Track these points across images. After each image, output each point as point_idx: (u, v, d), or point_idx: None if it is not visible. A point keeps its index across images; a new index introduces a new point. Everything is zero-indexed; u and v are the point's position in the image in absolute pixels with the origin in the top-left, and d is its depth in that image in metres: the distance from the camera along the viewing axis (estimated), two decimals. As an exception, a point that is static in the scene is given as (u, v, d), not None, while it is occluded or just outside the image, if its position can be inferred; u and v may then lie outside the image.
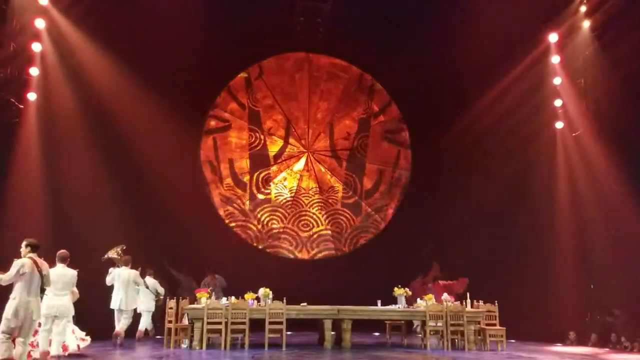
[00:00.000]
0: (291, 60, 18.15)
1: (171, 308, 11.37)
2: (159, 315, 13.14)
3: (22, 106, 12.83)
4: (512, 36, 13.96)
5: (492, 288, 12.69)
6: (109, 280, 11.67)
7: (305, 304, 11.60)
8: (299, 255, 17.50)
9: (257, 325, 11.23)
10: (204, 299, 11.12)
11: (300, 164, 17.93)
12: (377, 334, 14.68)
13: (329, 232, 17.79)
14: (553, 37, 14.41)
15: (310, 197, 17.89)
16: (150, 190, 15.01)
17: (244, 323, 10.86)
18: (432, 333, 11.51)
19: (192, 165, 17.13)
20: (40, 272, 7.97)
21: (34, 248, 8.09)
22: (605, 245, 13.02)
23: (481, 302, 12.17)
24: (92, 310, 10.58)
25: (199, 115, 17.26)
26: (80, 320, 9.91)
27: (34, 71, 13.01)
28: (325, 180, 17.98)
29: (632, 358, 11.12)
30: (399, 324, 12.71)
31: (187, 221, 15.36)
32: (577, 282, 13.47)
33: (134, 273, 11.87)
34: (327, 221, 17.86)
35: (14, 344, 7.96)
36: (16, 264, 7.83)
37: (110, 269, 11.80)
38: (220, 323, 10.75)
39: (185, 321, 11.35)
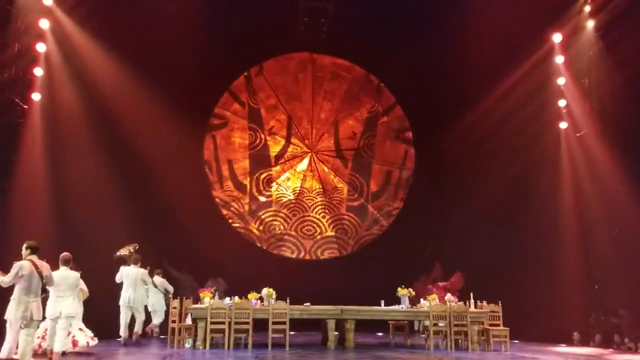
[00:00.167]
0: (295, 60, 18.16)
1: (175, 308, 11.41)
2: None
3: (26, 106, 12.87)
4: (516, 36, 13.94)
5: (495, 288, 12.67)
6: (118, 277, 11.81)
7: (308, 304, 11.62)
8: (302, 256, 17.48)
9: (260, 325, 11.24)
10: (208, 299, 11.13)
11: (303, 164, 17.92)
12: (380, 334, 14.67)
13: (334, 239, 17.72)
14: (557, 37, 14.40)
15: (314, 199, 17.83)
16: (154, 190, 15.05)
17: (247, 323, 10.89)
18: (438, 333, 11.51)
19: (195, 165, 17.15)
20: (40, 273, 8.14)
21: (33, 250, 8.28)
22: (609, 246, 13.00)
23: (485, 303, 12.14)
24: (95, 310, 10.58)
25: (202, 116, 17.27)
26: (84, 319, 10.00)
27: (38, 71, 13.05)
28: (328, 180, 17.97)
29: (636, 359, 11.09)
30: (403, 324, 12.71)
31: (190, 221, 15.37)
32: (581, 283, 13.44)
33: (142, 272, 11.97)
34: (331, 227, 17.78)
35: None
36: (15, 266, 8.03)
37: (121, 267, 11.93)
38: (223, 323, 10.78)
39: (189, 321, 11.37)
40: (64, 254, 9.03)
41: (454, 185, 16.64)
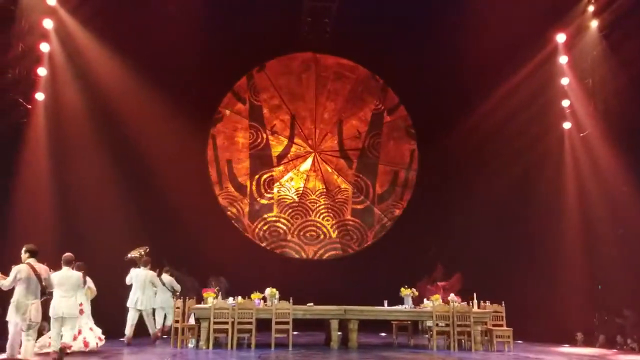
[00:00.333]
0: (298, 60, 18.16)
1: (178, 308, 11.43)
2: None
3: (30, 106, 12.91)
4: (520, 36, 13.91)
5: (499, 288, 12.66)
6: (128, 279, 11.94)
7: (311, 304, 11.61)
8: (305, 255, 17.47)
9: (263, 325, 11.26)
10: (211, 299, 11.14)
11: (306, 164, 17.91)
12: (383, 334, 14.66)
13: (338, 245, 17.65)
14: (561, 37, 14.36)
15: (317, 203, 17.74)
16: (156, 190, 15.05)
17: (250, 323, 10.88)
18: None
19: (198, 165, 17.15)
20: (38, 276, 8.34)
21: (32, 254, 8.49)
22: (613, 246, 12.97)
23: (488, 303, 12.13)
24: (99, 310, 10.61)
25: (205, 116, 17.28)
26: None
27: (42, 71, 13.09)
28: (332, 180, 17.94)
29: (640, 359, 11.09)
30: (406, 324, 12.70)
31: (192, 221, 15.38)
32: (584, 283, 13.40)
33: (151, 274, 12.08)
34: (335, 233, 17.69)
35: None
36: (13, 270, 8.27)
37: (132, 269, 12.03)
38: (226, 323, 10.76)
39: (192, 321, 11.38)
40: (66, 254, 9.10)
41: (457, 185, 16.61)
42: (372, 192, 18.02)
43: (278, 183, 17.71)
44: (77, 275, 9.10)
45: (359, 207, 17.92)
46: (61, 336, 8.90)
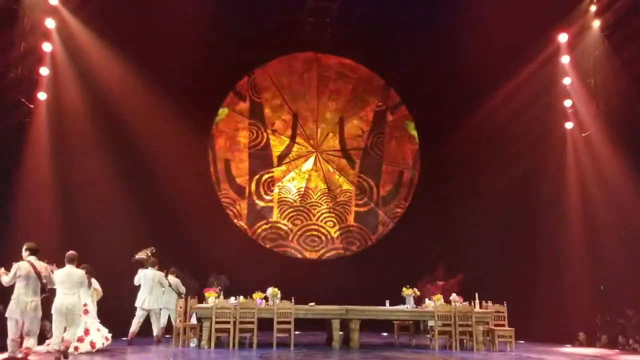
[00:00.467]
0: (300, 60, 18.15)
1: (180, 307, 11.44)
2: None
3: (32, 106, 12.89)
4: (522, 36, 13.88)
5: (501, 288, 12.65)
6: (136, 280, 12.03)
7: (313, 303, 11.61)
8: (307, 255, 17.46)
9: (265, 324, 11.25)
10: (212, 299, 11.14)
11: (308, 164, 17.89)
12: (385, 334, 14.67)
13: (341, 250, 17.60)
14: (563, 37, 14.35)
15: (319, 206, 17.69)
16: (158, 190, 15.04)
17: (252, 322, 10.88)
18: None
19: (199, 165, 17.13)
20: (38, 274, 8.46)
21: (32, 252, 8.64)
22: (616, 246, 12.93)
23: (490, 303, 12.13)
24: (101, 309, 10.61)
25: (207, 115, 17.27)
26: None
27: (44, 71, 13.08)
28: (333, 180, 17.92)
29: (642, 360, 11.07)
30: (407, 324, 12.69)
31: (194, 220, 15.36)
32: (587, 283, 13.37)
33: (160, 274, 12.16)
34: (339, 240, 17.60)
35: (21, 344, 8.30)
36: (14, 267, 8.42)
37: (139, 270, 12.11)
38: (228, 322, 10.78)
39: (194, 320, 11.39)
40: (70, 252, 9.12)
41: (459, 186, 16.61)
42: (375, 194, 17.98)
43: (280, 183, 17.68)
44: (80, 272, 9.11)
45: (362, 209, 17.87)
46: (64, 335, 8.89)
